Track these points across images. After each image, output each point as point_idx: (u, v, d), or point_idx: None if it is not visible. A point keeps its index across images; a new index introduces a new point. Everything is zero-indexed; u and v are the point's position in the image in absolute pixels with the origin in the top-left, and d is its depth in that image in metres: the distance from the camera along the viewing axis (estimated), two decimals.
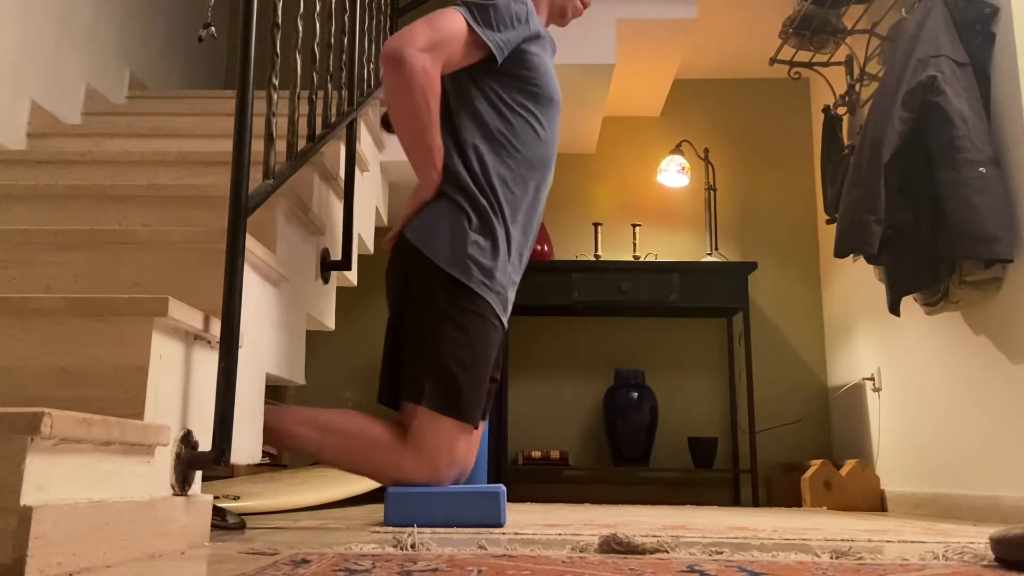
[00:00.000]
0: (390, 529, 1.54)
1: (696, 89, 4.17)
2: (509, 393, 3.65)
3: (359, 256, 2.72)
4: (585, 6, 2.09)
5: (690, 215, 4.04)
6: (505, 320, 1.85)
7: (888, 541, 1.46)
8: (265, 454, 1.63)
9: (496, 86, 1.86)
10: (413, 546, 1.15)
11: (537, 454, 3.57)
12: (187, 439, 1.20)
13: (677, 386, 3.83)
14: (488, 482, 3.01)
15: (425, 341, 1.76)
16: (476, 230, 1.79)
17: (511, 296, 1.88)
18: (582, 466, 3.76)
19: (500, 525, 1.64)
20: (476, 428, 1.76)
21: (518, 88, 1.87)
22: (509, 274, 1.84)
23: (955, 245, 2.30)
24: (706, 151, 4.00)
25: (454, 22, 1.75)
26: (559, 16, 2.09)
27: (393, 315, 1.86)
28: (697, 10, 3.24)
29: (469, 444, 1.74)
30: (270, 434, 1.72)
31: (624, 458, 3.52)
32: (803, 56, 3.38)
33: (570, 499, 3.63)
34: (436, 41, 1.72)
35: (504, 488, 1.69)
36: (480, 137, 1.84)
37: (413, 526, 1.55)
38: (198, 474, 1.23)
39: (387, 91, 1.76)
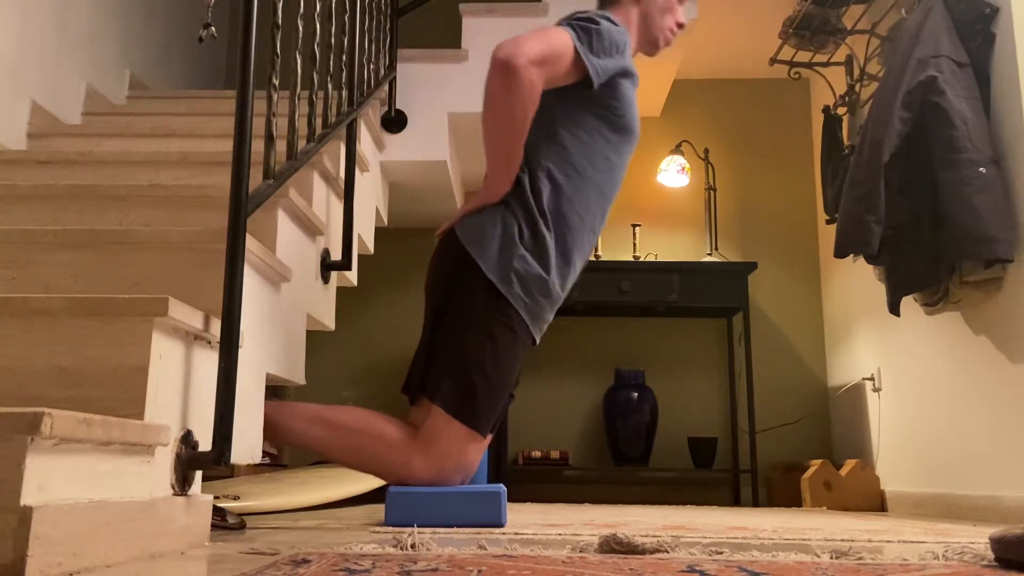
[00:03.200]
0: (390, 529, 1.54)
1: (696, 89, 4.17)
2: None
3: (359, 256, 2.73)
4: (674, 34, 2.07)
5: (690, 215, 4.04)
6: (536, 340, 1.84)
7: (888, 541, 1.46)
8: (265, 454, 1.63)
9: (581, 110, 1.85)
10: (413, 546, 1.15)
11: (537, 454, 3.57)
12: (187, 439, 1.20)
13: (677, 386, 3.83)
14: (488, 482, 3.01)
15: (454, 342, 1.75)
16: (527, 246, 1.78)
17: (547, 319, 1.86)
18: (582, 466, 3.76)
19: (500, 525, 1.64)
20: (485, 438, 1.75)
21: (602, 116, 1.87)
22: (551, 299, 1.82)
23: (955, 245, 2.30)
24: (706, 151, 4.00)
25: (565, 41, 1.74)
26: (650, 45, 2.08)
27: (430, 310, 1.84)
28: (697, 10, 3.24)
29: (477, 451, 1.73)
30: (276, 431, 1.72)
31: (624, 458, 3.52)
32: (803, 56, 3.38)
33: (570, 499, 3.63)
34: (547, 57, 1.71)
35: (504, 488, 1.69)
36: (555, 159, 1.83)
37: (413, 526, 1.55)
38: (198, 474, 1.23)
39: (489, 92, 1.75)
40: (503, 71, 1.70)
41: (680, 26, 2.08)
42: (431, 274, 1.86)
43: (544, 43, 1.72)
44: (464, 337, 1.74)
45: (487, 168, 1.83)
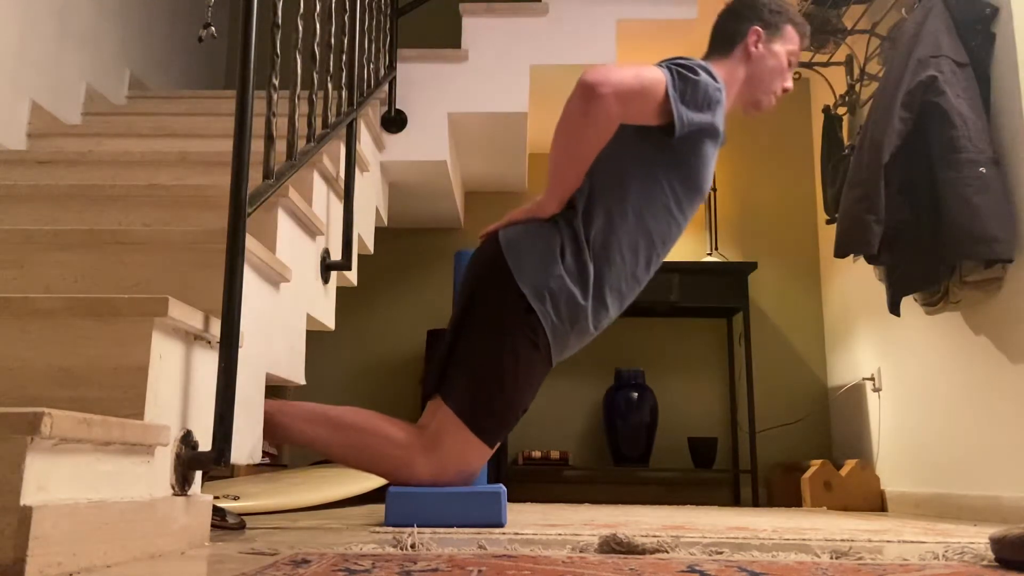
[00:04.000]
0: (390, 529, 1.54)
1: None
2: None
3: (359, 256, 2.73)
4: (778, 99, 1.98)
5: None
6: (554, 363, 1.79)
7: (888, 541, 1.46)
8: (265, 454, 1.63)
9: (655, 154, 1.78)
10: (413, 546, 1.15)
11: (537, 454, 3.57)
12: (187, 439, 1.20)
13: (677, 386, 3.83)
14: (488, 482, 3.01)
15: (476, 348, 1.73)
16: (567, 268, 1.74)
17: (570, 347, 1.81)
18: (582, 466, 3.76)
19: (500, 525, 1.64)
20: (491, 449, 1.73)
21: (675, 167, 1.79)
22: (579, 327, 1.77)
23: (955, 245, 2.30)
24: None
25: (658, 81, 1.68)
26: (752, 106, 1.98)
27: (457, 309, 1.81)
28: (697, 10, 3.24)
29: (482, 459, 1.73)
30: (277, 430, 1.72)
31: (624, 458, 3.52)
32: (803, 56, 3.38)
33: (570, 499, 3.63)
34: (634, 93, 1.66)
35: (504, 488, 1.69)
36: (615, 195, 1.78)
37: (413, 526, 1.55)
38: (198, 474, 1.23)
39: (566, 113, 1.70)
40: (586, 96, 1.65)
41: (785, 91, 1.98)
42: (465, 272, 1.84)
43: (635, 79, 1.66)
44: (487, 346, 1.72)
45: (549, 180, 1.79)
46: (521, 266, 1.73)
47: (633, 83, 1.65)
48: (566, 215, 1.78)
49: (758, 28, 1.92)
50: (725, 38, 1.94)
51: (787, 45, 1.96)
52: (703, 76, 1.73)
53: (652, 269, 1.86)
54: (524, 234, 1.77)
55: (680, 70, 1.72)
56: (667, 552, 1.12)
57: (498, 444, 1.75)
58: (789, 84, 1.99)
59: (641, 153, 1.78)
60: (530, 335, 1.72)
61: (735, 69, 1.92)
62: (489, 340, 1.72)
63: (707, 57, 1.95)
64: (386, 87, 2.99)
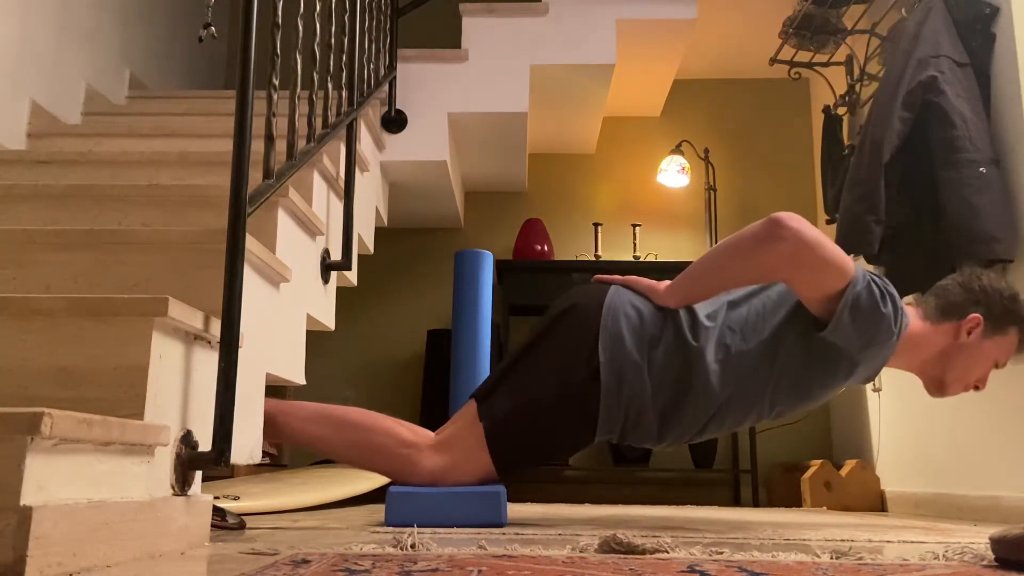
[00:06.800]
0: (390, 529, 1.54)
1: (696, 89, 4.17)
2: None
3: (359, 256, 2.73)
4: (966, 390, 1.78)
5: (690, 215, 4.04)
6: (599, 439, 1.71)
7: (888, 541, 1.46)
8: (265, 454, 1.63)
9: (792, 339, 1.66)
10: (413, 546, 1.15)
11: None
12: (187, 439, 1.20)
13: None
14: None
15: (531, 380, 1.68)
16: (651, 365, 1.65)
17: (612, 432, 1.70)
18: (582, 466, 3.76)
19: (501, 525, 1.64)
20: (498, 477, 1.71)
21: (793, 365, 1.66)
22: (631, 421, 1.68)
23: (955, 245, 2.30)
24: (706, 151, 4.00)
25: (846, 271, 1.54)
26: (933, 384, 1.79)
27: (537, 333, 1.75)
28: (697, 10, 3.24)
29: (486, 478, 1.72)
30: (278, 429, 1.72)
31: (624, 458, 3.52)
32: (803, 56, 3.38)
33: (570, 499, 3.63)
34: (816, 259, 1.53)
35: (504, 488, 1.69)
36: (733, 341, 1.66)
37: (413, 526, 1.55)
38: (198, 474, 1.23)
39: (744, 233, 1.60)
40: (768, 229, 1.55)
41: (977, 388, 1.78)
42: (563, 301, 1.77)
43: (825, 248, 1.53)
44: (542, 386, 1.67)
45: (687, 275, 1.71)
46: (611, 334, 1.67)
47: (820, 250, 1.53)
48: (680, 315, 1.70)
49: (980, 318, 1.73)
50: (945, 305, 1.75)
51: (1001, 347, 1.76)
52: (889, 311, 1.58)
53: (717, 427, 1.73)
54: (632, 308, 1.70)
55: (875, 285, 1.58)
56: (667, 552, 1.12)
57: (506, 474, 1.72)
58: (984, 384, 1.78)
59: (786, 330, 1.67)
60: (584, 400, 1.65)
61: (933, 336, 1.74)
62: (546, 381, 1.67)
63: (918, 303, 1.80)
64: (386, 87, 2.99)
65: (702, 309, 1.71)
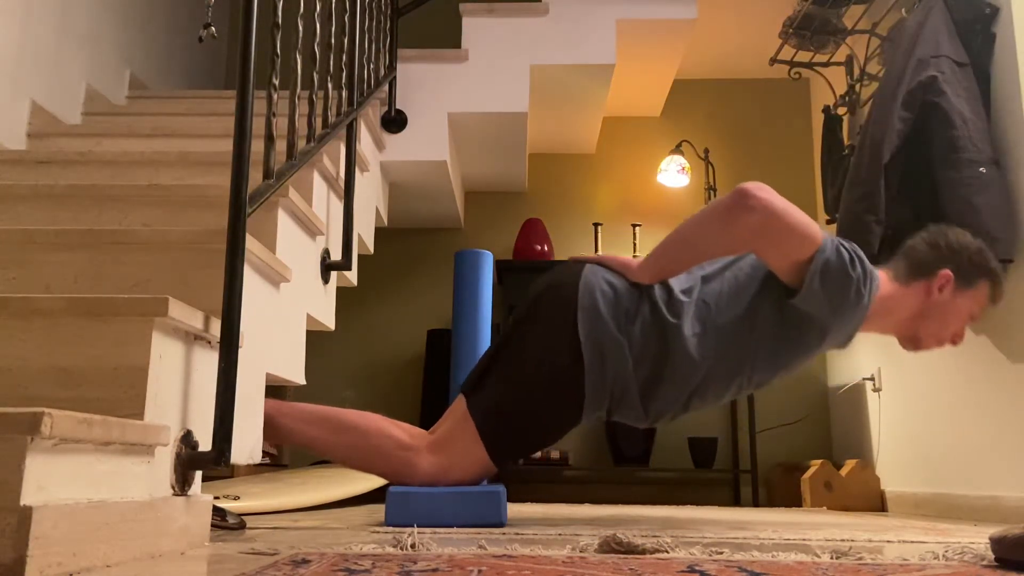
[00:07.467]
0: (390, 529, 1.54)
1: (696, 89, 4.17)
2: None
3: (359, 256, 2.73)
4: (940, 345, 1.79)
5: (690, 215, 4.04)
6: (587, 419, 1.72)
7: (888, 541, 1.46)
8: (265, 454, 1.63)
9: (767, 307, 1.67)
10: (413, 546, 1.15)
11: (537, 454, 3.57)
12: (187, 439, 1.20)
13: None
14: (488, 482, 3.01)
15: (515, 367, 1.69)
16: (631, 340, 1.66)
17: (599, 414, 1.73)
18: (582, 466, 3.75)
19: (501, 525, 1.64)
20: (496, 467, 1.72)
21: (772, 332, 1.68)
22: (628, 404, 1.70)
23: None
24: (706, 151, 4.00)
25: (813, 237, 1.56)
26: (909, 341, 1.80)
27: (516, 318, 1.76)
28: (697, 10, 3.24)
29: (485, 472, 1.72)
30: (277, 430, 1.72)
31: (624, 458, 3.51)
32: (803, 56, 3.38)
33: (570, 499, 3.63)
34: (784, 227, 1.55)
35: (504, 488, 1.69)
36: (711, 315, 1.68)
37: (413, 526, 1.55)
38: (198, 474, 1.23)
39: (712, 207, 1.64)
40: (735, 200, 1.57)
41: (954, 342, 1.79)
42: (540, 283, 1.78)
43: (792, 216, 1.55)
44: (526, 372, 1.68)
45: (660, 249, 1.72)
46: (588, 311, 1.67)
47: (787, 218, 1.55)
48: (655, 291, 1.71)
49: (950, 274, 1.74)
50: (913, 265, 1.76)
51: (974, 300, 1.77)
52: (858, 274, 1.59)
53: (699, 400, 1.74)
54: (607, 284, 1.71)
55: (844, 250, 1.59)
56: (667, 552, 1.12)
57: (504, 464, 1.73)
58: (961, 338, 1.79)
59: (760, 301, 1.68)
60: (569, 379, 1.66)
61: (905, 298, 1.75)
62: (530, 366, 1.68)
63: (888, 265, 1.80)
64: (386, 87, 2.99)
65: (677, 284, 1.73)
